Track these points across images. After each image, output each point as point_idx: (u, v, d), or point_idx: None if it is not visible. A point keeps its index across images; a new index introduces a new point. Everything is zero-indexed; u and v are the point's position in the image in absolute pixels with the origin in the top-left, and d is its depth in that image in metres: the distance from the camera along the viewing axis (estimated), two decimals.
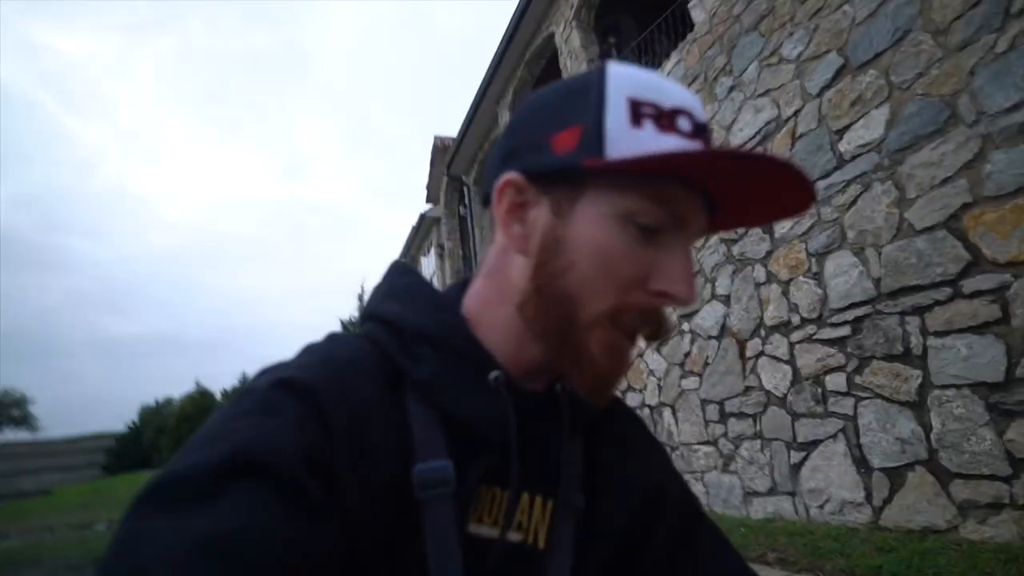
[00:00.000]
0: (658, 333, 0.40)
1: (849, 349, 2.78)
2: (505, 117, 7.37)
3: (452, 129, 9.64)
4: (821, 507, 2.91)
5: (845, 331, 2.82)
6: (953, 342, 2.32)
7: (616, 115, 0.37)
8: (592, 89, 0.39)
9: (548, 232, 0.39)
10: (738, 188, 0.38)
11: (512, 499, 0.39)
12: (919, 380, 2.45)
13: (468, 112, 8.14)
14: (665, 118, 0.38)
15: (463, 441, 0.38)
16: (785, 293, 3.23)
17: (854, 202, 2.82)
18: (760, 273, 3.42)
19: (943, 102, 2.40)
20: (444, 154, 10.26)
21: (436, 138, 11.05)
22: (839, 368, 2.83)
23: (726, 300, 3.69)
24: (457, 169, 9.67)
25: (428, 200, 12.29)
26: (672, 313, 4.14)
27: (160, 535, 0.27)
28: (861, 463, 2.71)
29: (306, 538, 0.29)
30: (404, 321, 0.41)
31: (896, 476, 2.53)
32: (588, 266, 0.38)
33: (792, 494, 3.11)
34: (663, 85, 0.39)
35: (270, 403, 0.33)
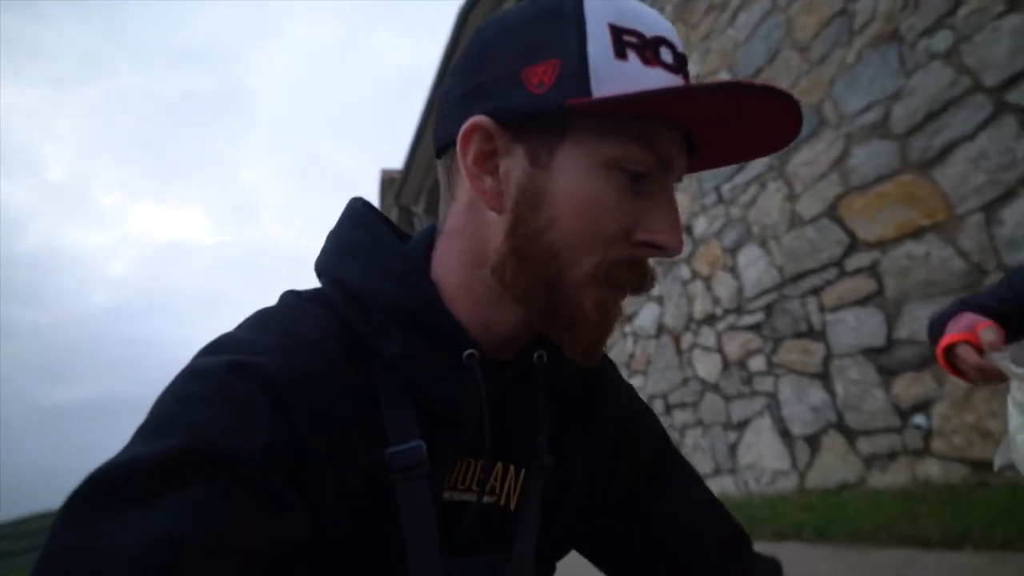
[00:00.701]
0: (644, 286, 0.38)
1: (765, 332, 3.07)
2: None
3: (398, 161, 9.81)
4: (757, 480, 3.16)
5: (760, 316, 3.11)
6: (844, 316, 2.63)
7: (599, 44, 0.33)
8: (567, 13, 0.34)
9: (526, 184, 0.35)
10: (722, 124, 0.35)
11: (486, 469, 0.38)
12: (822, 353, 2.75)
13: (412, 143, 8.36)
14: (649, 49, 0.34)
15: (437, 418, 0.36)
16: (708, 288, 3.52)
17: (755, 200, 3.14)
18: (685, 271, 3.71)
19: (813, 109, 2.75)
20: (392, 186, 10.43)
21: (383, 171, 11.21)
22: (758, 351, 3.12)
23: (659, 300, 3.96)
24: (406, 200, 9.84)
25: None
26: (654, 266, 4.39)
27: (106, 539, 0.25)
28: (784, 434, 2.97)
29: (268, 537, 0.27)
30: (368, 290, 0.37)
31: (814, 441, 2.80)
32: (573, 221, 0.35)
33: (732, 472, 3.34)
34: (641, 10, 0.35)
35: (227, 389, 0.30)
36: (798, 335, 2.87)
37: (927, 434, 2.29)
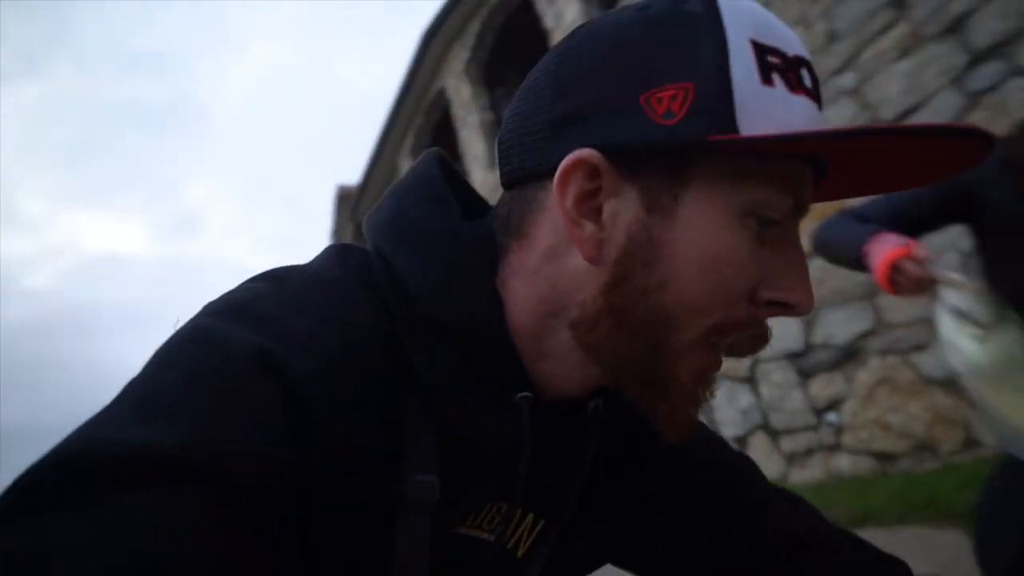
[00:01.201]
0: (757, 348, 0.33)
1: None
2: (405, 164, 7.71)
3: (354, 177, 9.78)
4: None
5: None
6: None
7: (743, 67, 0.29)
8: (700, 25, 0.29)
9: (639, 234, 0.30)
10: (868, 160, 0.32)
11: (507, 515, 0.34)
12: (748, 358, 2.96)
13: (369, 159, 8.40)
14: (792, 71, 0.30)
15: (467, 455, 0.32)
16: None
17: None
18: None
19: None
20: (348, 201, 10.37)
21: (339, 187, 11.13)
22: None
23: None
24: (361, 216, 9.79)
25: None
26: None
27: (69, 542, 0.21)
28: None
29: (253, 563, 0.24)
30: (422, 295, 0.31)
31: (743, 442, 2.98)
32: (695, 280, 0.29)
33: None
34: (778, 24, 0.31)
35: (246, 386, 0.26)
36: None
37: (838, 430, 2.50)
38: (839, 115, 2.52)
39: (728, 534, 0.43)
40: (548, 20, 4.77)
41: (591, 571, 0.43)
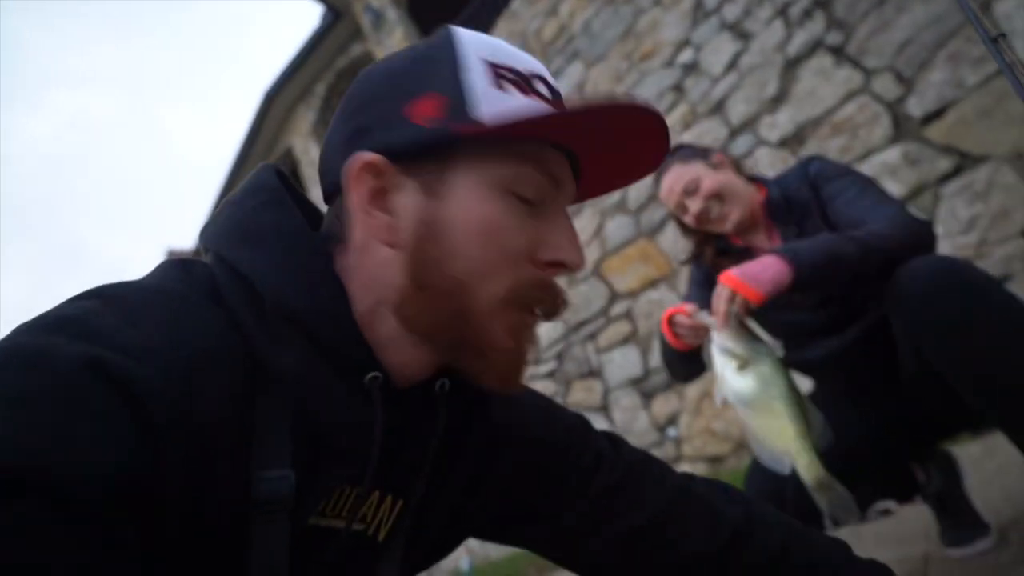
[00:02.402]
0: (556, 308, 0.38)
1: (557, 377, 3.52)
2: None
3: (186, 240, 8.85)
4: None
5: (553, 364, 3.56)
6: (612, 355, 3.19)
7: (477, 76, 0.35)
8: (443, 52, 0.36)
9: (423, 216, 0.34)
10: (601, 145, 0.37)
11: (360, 497, 0.36)
12: (601, 388, 3.26)
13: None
14: (526, 82, 0.36)
15: (320, 441, 0.33)
16: None
17: None
18: None
19: None
20: None
21: (170, 251, 9.94)
22: (554, 394, 3.53)
23: None
24: None
25: None
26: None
27: None
28: None
29: (86, 572, 0.23)
30: (271, 289, 0.32)
31: None
32: (476, 246, 0.34)
33: None
34: (513, 51, 0.37)
35: (79, 394, 0.25)
36: (582, 375, 3.36)
37: (678, 442, 2.85)
38: None
39: (569, 491, 0.47)
40: None
41: (451, 548, 0.47)
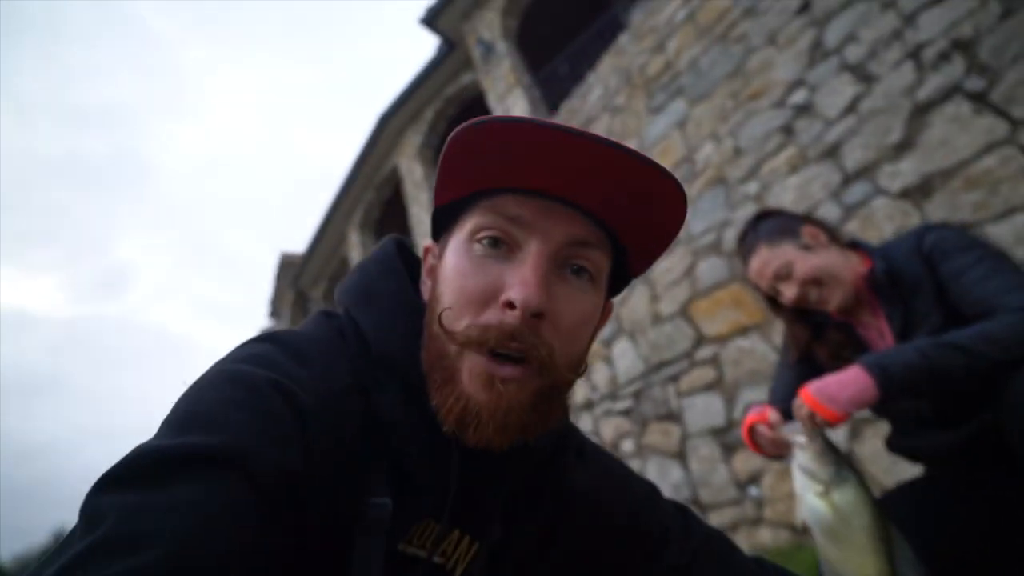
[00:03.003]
0: (531, 356, 0.37)
1: (633, 416, 3.42)
2: (354, 235, 7.79)
3: (299, 246, 9.64)
4: None
5: (630, 402, 3.47)
6: (694, 400, 3.05)
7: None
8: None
9: (434, 272, 0.43)
10: (628, 212, 0.39)
11: (441, 533, 0.40)
12: (679, 433, 3.12)
13: (318, 229, 8.43)
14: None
15: (409, 478, 0.38)
16: (588, 377, 3.86)
17: (626, 300, 3.65)
18: None
19: None
20: (290, 269, 10.19)
21: (283, 254, 10.97)
22: (629, 433, 3.44)
23: None
24: (304, 284, 9.63)
25: (272, 315, 11.77)
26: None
27: (160, 510, 0.27)
28: None
29: (262, 545, 0.30)
30: (377, 345, 0.40)
31: None
32: (447, 289, 0.39)
33: None
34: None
35: (269, 407, 0.33)
36: (660, 418, 3.24)
37: (760, 503, 2.65)
38: (747, 215, 2.90)
39: (636, 560, 0.49)
40: (497, 114, 5.20)
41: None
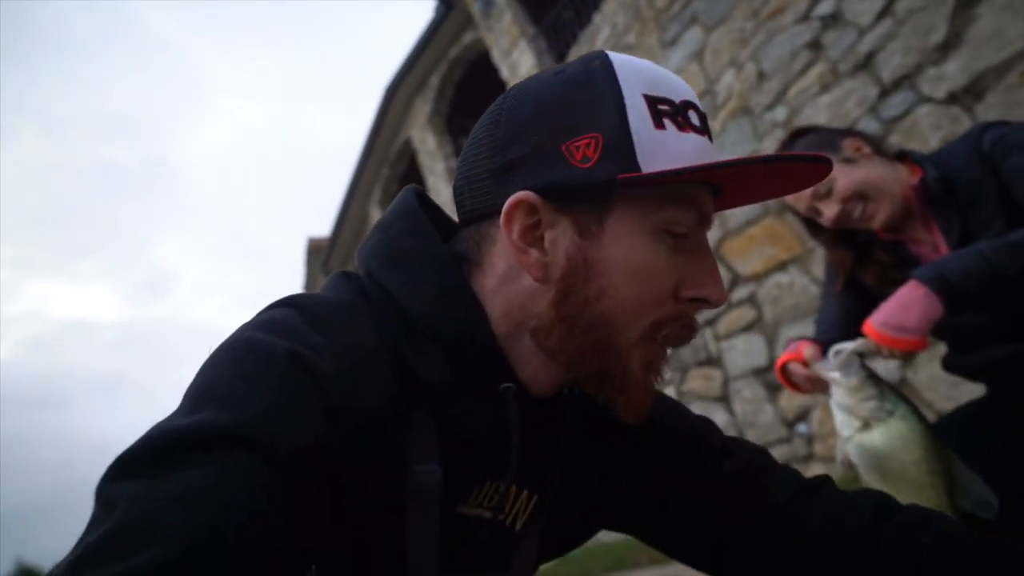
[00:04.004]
0: (690, 338, 0.39)
1: (671, 364, 3.37)
2: (375, 214, 7.81)
3: (324, 229, 9.80)
4: None
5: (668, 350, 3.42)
6: (734, 343, 2.98)
7: (638, 116, 0.35)
8: (602, 86, 0.36)
9: (576, 255, 0.36)
10: (752, 181, 0.38)
11: (503, 492, 0.39)
12: (721, 377, 3.06)
13: (339, 211, 8.48)
14: (681, 115, 0.36)
15: (464, 441, 0.37)
16: None
17: None
18: None
19: None
20: (319, 254, 10.36)
21: (309, 239, 11.13)
22: (668, 381, 3.40)
23: None
24: (333, 266, 9.78)
25: None
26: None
27: (172, 497, 0.26)
28: None
29: (286, 528, 0.28)
30: (414, 308, 0.37)
31: None
32: (626, 287, 0.36)
33: None
34: (667, 76, 0.38)
35: (287, 378, 0.31)
36: (699, 363, 3.18)
37: (809, 440, 2.59)
38: (774, 146, 2.73)
39: (700, 475, 0.49)
40: (504, 72, 5.03)
41: (584, 540, 0.50)
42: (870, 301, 0.97)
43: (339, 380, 0.33)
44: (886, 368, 2.18)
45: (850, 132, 0.97)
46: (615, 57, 0.37)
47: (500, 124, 0.38)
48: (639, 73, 0.37)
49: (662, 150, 0.35)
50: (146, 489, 0.27)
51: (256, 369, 0.31)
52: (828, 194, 0.91)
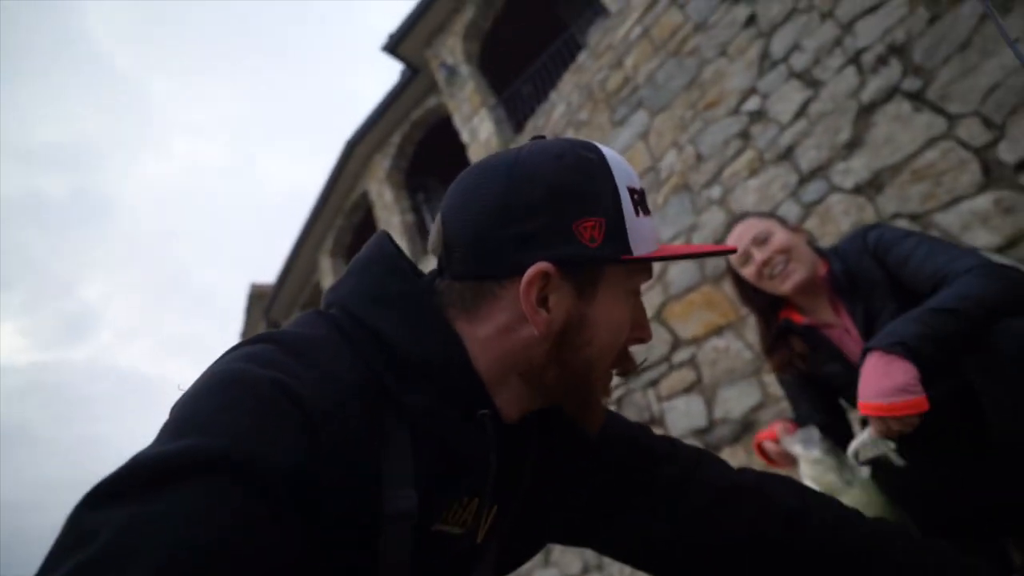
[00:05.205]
0: (634, 367, 0.49)
1: None
2: (325, 264, 7.71)
3: (268, 276, 9.48)
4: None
5: (612, 408, 3.49)
6: (675, 403, 3.09)
7: (628, 208, 0.43)
8: (601, 177, 0.43)
9: (573, 314, 0.43)
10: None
11: (481, 508, 0.44)
12: None
13: (288, 258, 8.30)
14: (643, 202, 0.45)
15: (443, 462, 0.40)
16: None
17: None
18: None
19: None
20: (261, 300, 9.98)
21: (252, 285, 10.74)
22: None
23: None
24: (276, 314, 9.42)
25: None
26: None
27: (155, 524, 0.26)
28: None
29: (267, 551, 0.29)
30: (402, 345, 0.40)
31: None
32: (607, 337, 0.44)
33: (599, 568, 3.44)
34: (630, 169, 0.46)
35: (272, 408, 0.32)
36: (642, 423, 3.26)
37: None
38: (712, 220, 3.00)
39: (640, 477, 0.55)
40: (464, 136, 5.28)
41: (534, 553, 0.55)
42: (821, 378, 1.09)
43: (321, 408, 0.34)
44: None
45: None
46: (606, 152, 0.45)
47: (512, 199, 0.42)
48: (622, 168, 0.45)
49: (640, 233, 0.44)
50: (129, 514, 0.27)
51: (239, 397, 0.32)
52: (764, 241, 1.06)
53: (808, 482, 0.81)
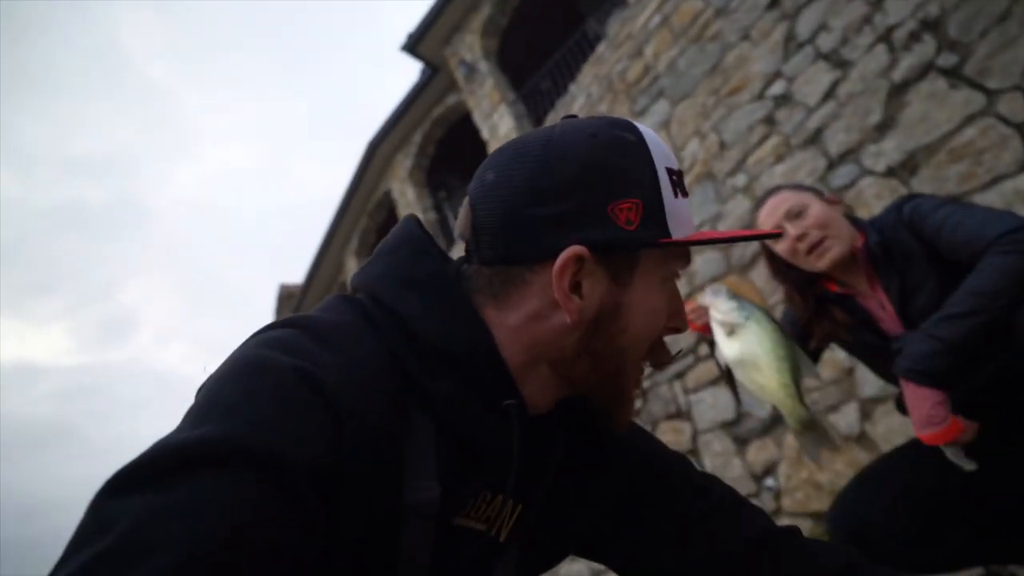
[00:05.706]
0: (670, 358, 0.46)
1: (642, 417, 3.40)
2: (351, 262, 7.83)
3: (297, 276, 9.69)
4: None
5: (638, 403, 3.46)
6: (702, 396, 3.04)
7: (667, 189, 0.41)
8: (639, 157, 0.41)
9: (608, 300, 0.41)
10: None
11: (503, 503, 0.42)
12: (690, 430, 3.10)
13: (314, 258, 8.46)
14: (681, 183, 0.43)
15: (469, 453, 0.39)
16: None
17: None
18: None
19: None
20: (290, 300, 10.20)
21: (281, 285, 10.98)
22: None
23: None
24: None
25: None
26: None
27: (174, 513, 0.26)
28: None
29: (285, 543, 0.29)
30: (427, 330, 0.39)
31: None
32: (642, 325, 0.42)
33: None
34: (668, 150, 0.43)
35: (292, 394, 0.32)
36: (669, 416, 3.22)
37: (777, 494, 2.63)
38: (737, 208, 2.93)
39: (668, 506, 0.53)
40: (484, 132, 5.29)
41: (560, 558, 0.51)
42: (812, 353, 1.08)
43: (344, 396, 0.33)
44: (848, 420, 2.27)
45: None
46: (643, 130, 0.42)
47: (543, 181, 0.40)
48: (660, 147, 0.42)
49: (678, 215, 0.41)
50: (147, 503, 0.27)
51: (262, 385, 0.31)
52: (799, 215, 1.00)
53: (715, 326, 0.90)
